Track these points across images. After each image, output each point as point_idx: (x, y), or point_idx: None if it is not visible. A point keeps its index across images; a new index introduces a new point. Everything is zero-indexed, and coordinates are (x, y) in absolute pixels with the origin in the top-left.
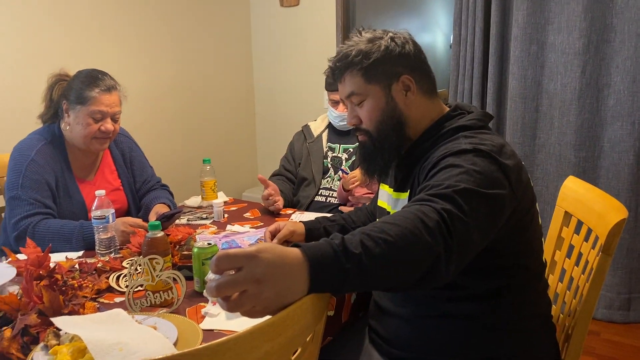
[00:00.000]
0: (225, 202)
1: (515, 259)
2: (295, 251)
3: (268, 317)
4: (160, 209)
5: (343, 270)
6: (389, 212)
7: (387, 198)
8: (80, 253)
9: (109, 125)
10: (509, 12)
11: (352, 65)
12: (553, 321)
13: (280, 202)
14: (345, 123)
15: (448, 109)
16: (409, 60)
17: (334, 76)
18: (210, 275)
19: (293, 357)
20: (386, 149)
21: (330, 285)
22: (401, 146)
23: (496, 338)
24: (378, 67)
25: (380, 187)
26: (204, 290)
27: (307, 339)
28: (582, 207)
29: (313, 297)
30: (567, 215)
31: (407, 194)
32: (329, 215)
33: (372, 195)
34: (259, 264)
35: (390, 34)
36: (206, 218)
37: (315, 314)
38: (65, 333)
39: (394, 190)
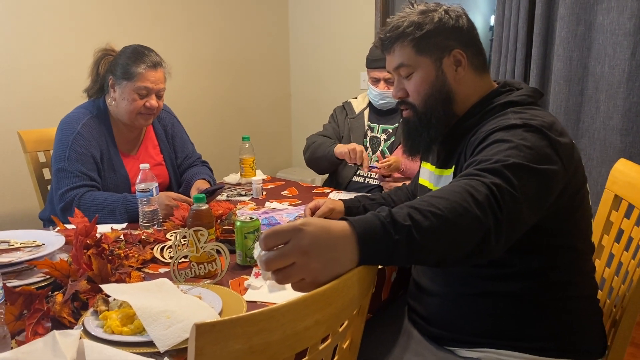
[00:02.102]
0: (263, 180)
1: (564, 239)
2: (341, 223)
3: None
4: (201, 184)
5: (392, 242)
6: (430, 190)
7: (429, 175)
8: (124, 225)
9: (153, 101)
10: None
11: (403, 36)
12: (599, 306)
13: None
14: (386, 102)
15: (497, 85)
16: (462, 35)
17: (383, 47)
18: (260, 252)
19: (340, 329)
20: (432, 125)
21: (380, 256)
22: (447, 122)
23: (540, 317)
24: (430, 38)
25: (422, 165)
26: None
27: (354, 313)
28: (633, 190)
29: (360, 271)
30: (617, 199)
31: (452, 170)
32: (368, 194)
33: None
34: (305, 236)
35: (444, 7)
36: (245, 195)
37: (362, 288)
38: (114, 300)
39: (437, 167)
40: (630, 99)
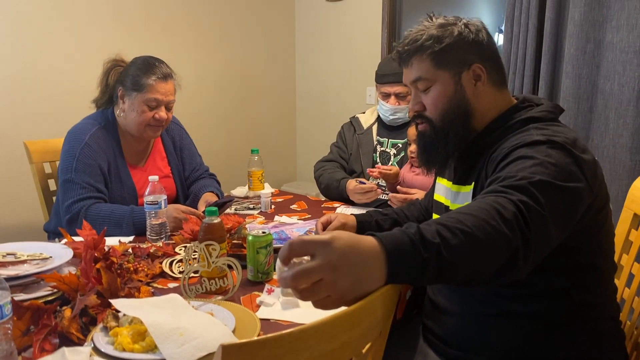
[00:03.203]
0: (271, 194)
1: (587, 257)
2: (370, 239)
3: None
4: (209, 197)
5: (422, 260)
6: (447, 207)
7: (445, 192)
8: (131, 238)
9: (163, 113)
10: (564, 9)
11: (422, 49)
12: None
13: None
14: (397, 117)
15: (516, 101)
16: (481, 49)
17: (401, 59)
18: (280, 265)
19: (364, 351)
20: (449, 140)
21: (409, 275)
22: (465, 138)
23: (562, 339)
24: (449, 52)
25: (437, 180)
26: (279, 281)
27: (377, 334)
28: None
29: (385, 291)
30: (637, 218)
31: (472, 187)
32: (380, 210)
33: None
34: (334, 251)
35: (464, 21)
36: (253, 208)
37: (385, 309)
38: (124, 315)
39: (454, 183)
40: None
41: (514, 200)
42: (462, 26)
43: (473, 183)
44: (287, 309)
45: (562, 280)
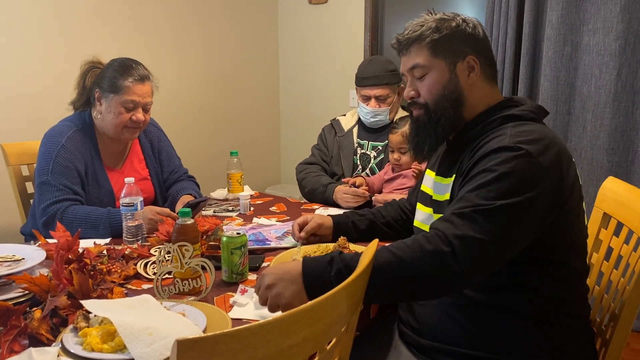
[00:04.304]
0: (250, 196)
1: (557, 254)
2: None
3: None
4: (187, 199)
5: (330, 257)
6: (431, 197)
7: (432, 183)
8: (108, 240)
9: (140, 115)
10: (542, 12)
11: (421, 38)
12: (592, 327)
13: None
14: (377, 120)
15: (503, 99)
16: (477, 43)
17: (400, 47)
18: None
19: (328, 347)
20: (440, 124)
21: (318, 266)
22: (455, 125)
23: (530, 333)
24: (446, 42)
25: (427, 172)
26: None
27: (342, 330)
28: (623, 208)
29: (349, 286)
30: (606, 217)
31: (452, 179)
32: (357, 211)
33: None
34: (265, 277)
35: (462, 16)
36: (232, 210)
37: (350, 304)
38: (95, 316)
39: (437, 175)
40: (616, 118)
41: (449, 236)
42: (460, 20)
43: (454, 176)
44: (259, 309)
45: (532, 274)
